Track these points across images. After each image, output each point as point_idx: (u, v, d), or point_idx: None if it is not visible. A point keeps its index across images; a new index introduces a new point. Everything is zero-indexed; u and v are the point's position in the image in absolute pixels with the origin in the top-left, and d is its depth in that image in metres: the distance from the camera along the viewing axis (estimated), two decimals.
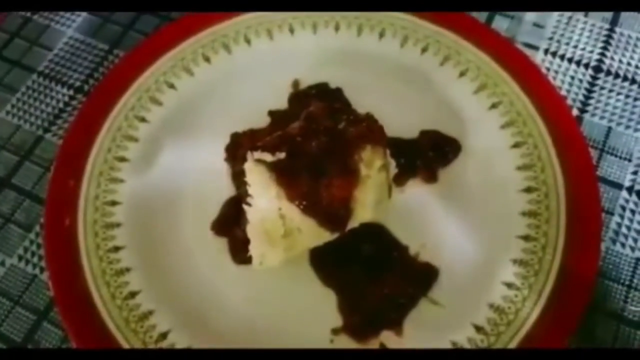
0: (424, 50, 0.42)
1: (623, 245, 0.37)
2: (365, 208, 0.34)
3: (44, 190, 0.40)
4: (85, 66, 0.46)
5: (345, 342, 0.34)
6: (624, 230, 0.38)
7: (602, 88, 0.42)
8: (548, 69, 0.43)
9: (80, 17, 0.48)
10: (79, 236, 0.37)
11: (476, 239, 0.36)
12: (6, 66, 0.47)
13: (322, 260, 0.36)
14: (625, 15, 0.45)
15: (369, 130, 0.33)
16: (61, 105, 0.45)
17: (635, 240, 0.37)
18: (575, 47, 0.44)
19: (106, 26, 0.48)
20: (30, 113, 0.45)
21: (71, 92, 0.45)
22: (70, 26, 0.48)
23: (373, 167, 0.33)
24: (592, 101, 0.42)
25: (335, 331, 0.35)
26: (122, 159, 0.40)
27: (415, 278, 0.36)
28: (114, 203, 0.38)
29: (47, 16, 0.49)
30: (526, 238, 0.36)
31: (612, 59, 0.43)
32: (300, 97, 0.42)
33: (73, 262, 0.36)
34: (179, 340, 0.34)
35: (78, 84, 0.46)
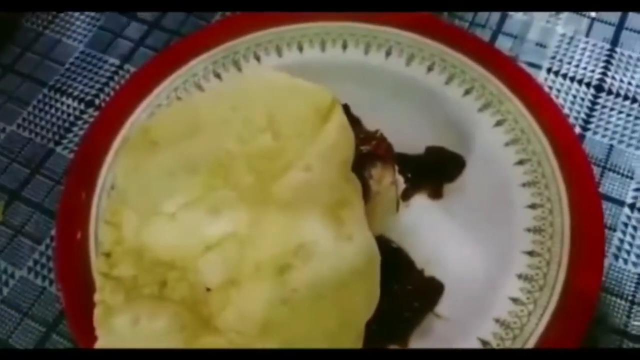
0: (429, 68, 0.43)
1: (625, 261, 0.38)
2: (372, 223, 0.34)
3: (54, 203, 0.41)
4: (96, 80, 0.47)
5: None
6: (626, 246, 0.38)
7: (603, 107, 0.43)
8: (551, 88, 0.44)
9: (92, 33, 0.49)
10: (90, 249, 0.37)
11: (481, 254, 0.37)
12: (18, 80, 0.47)
13: None
14: (625, 36, 0.46)
15: (379, 148, 0.34)
16: (72, 119, 0.45)
17: (637, 256, 0.38)
18: (577, 66, 0.45)
19: (117, 41, 0.49)
20: (41, 126, 0.45)
21: (82, 106, 0.46)
22: (81, 41, 0.49)
23: (382, 183, 0.34)
24: (593, 119, 0.43)
25: None
26: None
27: (421, 292, 0.36)
28: None
29: (58, 31, 0.50)
30: (531, 253, 0.36)
31: (613, 78, 0.44)
32: None
33: (84, 275, 0.36)
34: None
35: (89, 98, 0.46)
